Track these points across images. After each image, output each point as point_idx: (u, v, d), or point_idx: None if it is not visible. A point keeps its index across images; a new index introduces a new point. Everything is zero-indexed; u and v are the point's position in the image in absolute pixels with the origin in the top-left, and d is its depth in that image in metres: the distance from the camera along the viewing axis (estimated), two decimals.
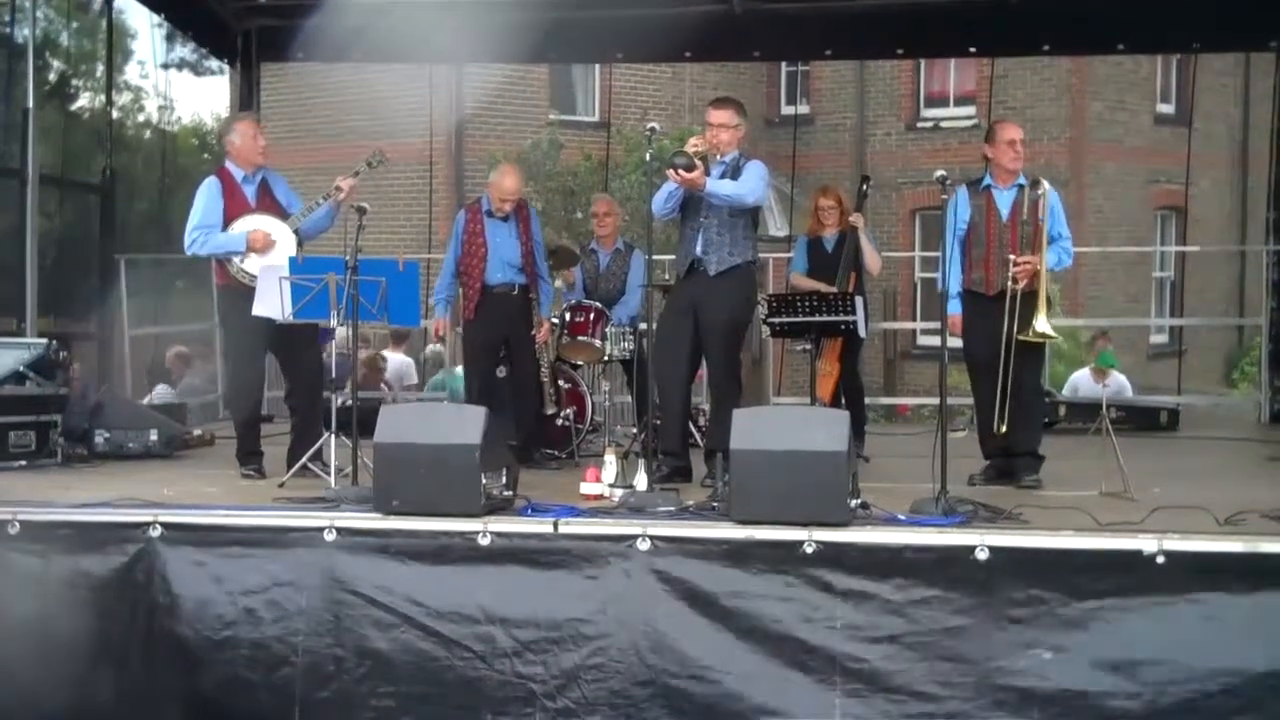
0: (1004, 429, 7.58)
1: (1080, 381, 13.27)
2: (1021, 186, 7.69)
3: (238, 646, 6.30)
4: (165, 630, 6.37)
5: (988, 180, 7.79)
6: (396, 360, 13.69)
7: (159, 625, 6.39)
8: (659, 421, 7.81)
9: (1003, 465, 7.73)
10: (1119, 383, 13.30)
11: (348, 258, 7.32)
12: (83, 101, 17.72)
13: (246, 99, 12.07)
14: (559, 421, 8.96)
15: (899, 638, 5.88)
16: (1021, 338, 7.47)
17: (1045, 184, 7.66)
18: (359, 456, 7.14)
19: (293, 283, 7.45)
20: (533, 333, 8.70)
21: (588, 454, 8.80)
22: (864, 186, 9.40)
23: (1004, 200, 7.72)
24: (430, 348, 14.15)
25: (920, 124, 23.18)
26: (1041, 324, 7.45)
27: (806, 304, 8.24)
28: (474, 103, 21.04)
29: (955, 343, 7.32)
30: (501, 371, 8.73)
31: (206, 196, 8.02)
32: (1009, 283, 7.50)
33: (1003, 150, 7.74)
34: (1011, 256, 7.52)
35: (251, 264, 7.88)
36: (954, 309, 7.69)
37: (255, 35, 11.90)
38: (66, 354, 8.92)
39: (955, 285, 7.75)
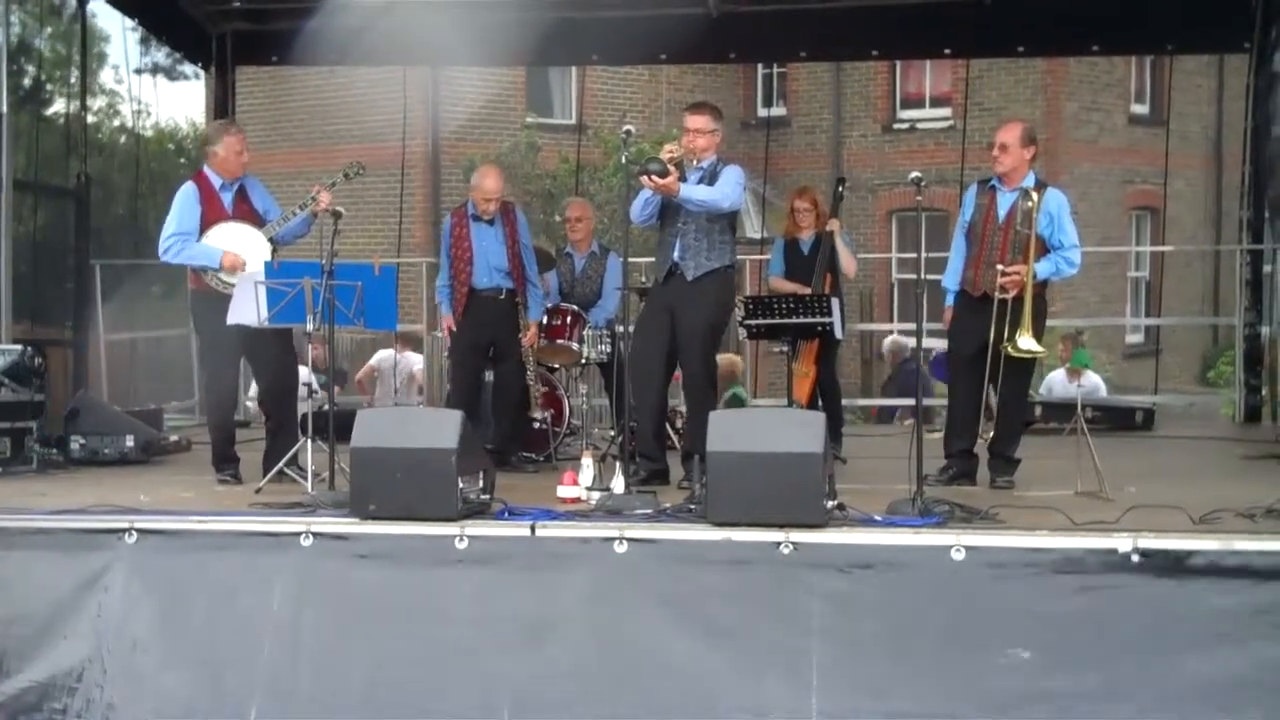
0: (990, 433, 7.61)
1: (1054, 382, 13.31)
2: (1024, 190, 7.54)
3: (213, 651, 6.27)
4: (140, 636, 6.35)
5: (994, 180, 7.72)
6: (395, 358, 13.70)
7: (134, 631, 6.36)
8: (635, 424, 7.82)
9: (963, 465, 7.75)
10: (1093, 383, 13.35)
11: (323, 262, 7.31)
12: (57, 106, 17.64)
13: (222, 103, 12.06)
14: (536, 424, 8.95)
15: (875, 638, 5.89)
16: (1006, 351, 7.42)
17: (1035, 194, 7.47)
18: (336, 461, 7.13)
19: (268, 287, 7.44)
20: (520, 336, 8.69)
21: (565, 457, 8.81)
22: (839, 188, 9.42)
23: (1004, 202, 7.62)
24: None
25: (896, 125, 23.24)
26: (1026, 341, 7.38)
27: (783, 306, 8.25)
28: (451, 106, 21.03)
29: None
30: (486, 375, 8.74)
31: (183, 202, 7.99)
32: (996, 291, 7.45)
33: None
34: (1000, 266, 7.46)
35: (226, 273, 7.87)
36: (949, 302, 7.75)
37: (230, 39, 11.90)
38: (42, 360, 8.88)
39: (953, 282, 7.76)
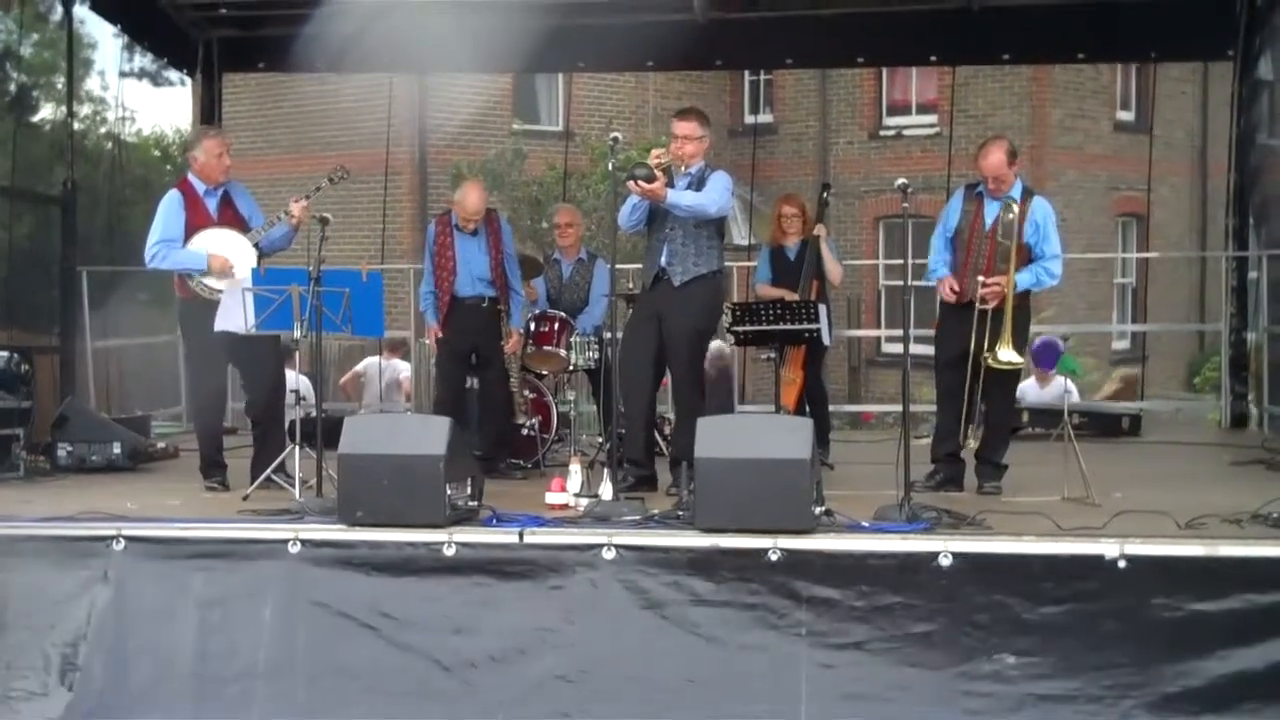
0: (970, 442, 7.62)
1: (1027, 389, 13.23)
2: (1006, 202, 7.53)
3: (202, 659, 6.26)
4: (129, 643, 6.33)
5: (981, 187, 7.70)
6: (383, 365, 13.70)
7: (122, 638, 6.34)
8: (624, 430, 7.82)
9: (950, 471, 7.77)
10: (1067, 387, 13.25)
11: (311, 269, 7.30)
12: (44, 113, 17.64)
13: (208, 110, 12.03)
14: (524, 431, 8.94)
15: (863, 644, 5.91)
16: (987, 362, 7.43)
17: (1018, 206, 7.47)
18: (323, 468, 7.13)
19: (256, 294, 7.43)
20: (502, 343, 8.69)
21: (553, 464, 8.80)
22: (825, 194, 9.43)
23: (991, 210, 7.62)
24: None
25: (883, 132, 23.28)
26: (1006, 353, 7.39)
27: (770, 312, 8.25)
28: (438, 113, 21.02)
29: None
30: (469, 382, 8.73)
31: (168, 209, 7.96)
32: (978, 301, 7.46)
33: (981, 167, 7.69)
34: (981, 278, 7.46)
35: (213, 278, 7.85)
36: (942, 273, 7.69)
37: (216, 45, 11.88)
38: (28, 367, 8.85)
39: (941, 267, 7.73)
